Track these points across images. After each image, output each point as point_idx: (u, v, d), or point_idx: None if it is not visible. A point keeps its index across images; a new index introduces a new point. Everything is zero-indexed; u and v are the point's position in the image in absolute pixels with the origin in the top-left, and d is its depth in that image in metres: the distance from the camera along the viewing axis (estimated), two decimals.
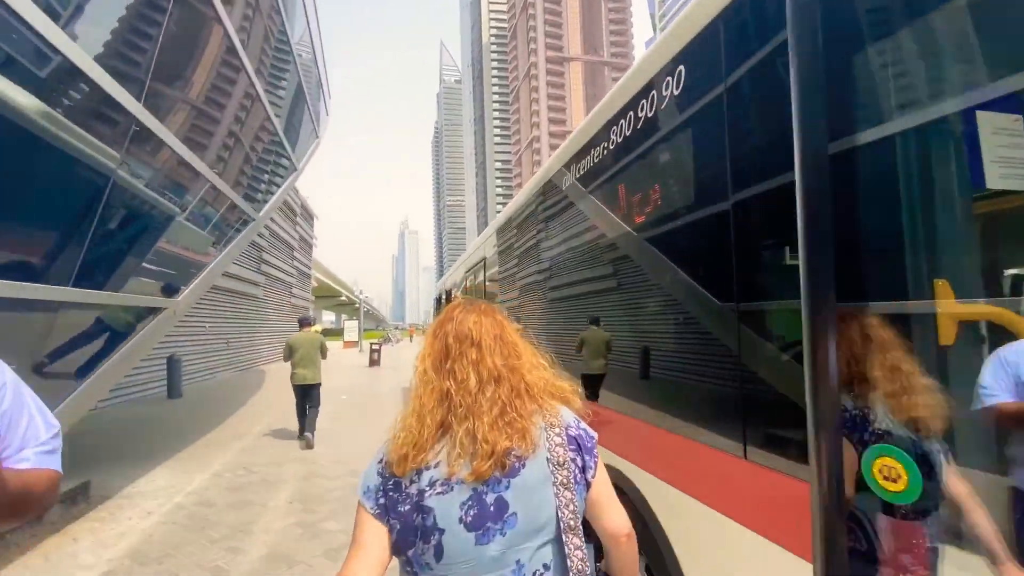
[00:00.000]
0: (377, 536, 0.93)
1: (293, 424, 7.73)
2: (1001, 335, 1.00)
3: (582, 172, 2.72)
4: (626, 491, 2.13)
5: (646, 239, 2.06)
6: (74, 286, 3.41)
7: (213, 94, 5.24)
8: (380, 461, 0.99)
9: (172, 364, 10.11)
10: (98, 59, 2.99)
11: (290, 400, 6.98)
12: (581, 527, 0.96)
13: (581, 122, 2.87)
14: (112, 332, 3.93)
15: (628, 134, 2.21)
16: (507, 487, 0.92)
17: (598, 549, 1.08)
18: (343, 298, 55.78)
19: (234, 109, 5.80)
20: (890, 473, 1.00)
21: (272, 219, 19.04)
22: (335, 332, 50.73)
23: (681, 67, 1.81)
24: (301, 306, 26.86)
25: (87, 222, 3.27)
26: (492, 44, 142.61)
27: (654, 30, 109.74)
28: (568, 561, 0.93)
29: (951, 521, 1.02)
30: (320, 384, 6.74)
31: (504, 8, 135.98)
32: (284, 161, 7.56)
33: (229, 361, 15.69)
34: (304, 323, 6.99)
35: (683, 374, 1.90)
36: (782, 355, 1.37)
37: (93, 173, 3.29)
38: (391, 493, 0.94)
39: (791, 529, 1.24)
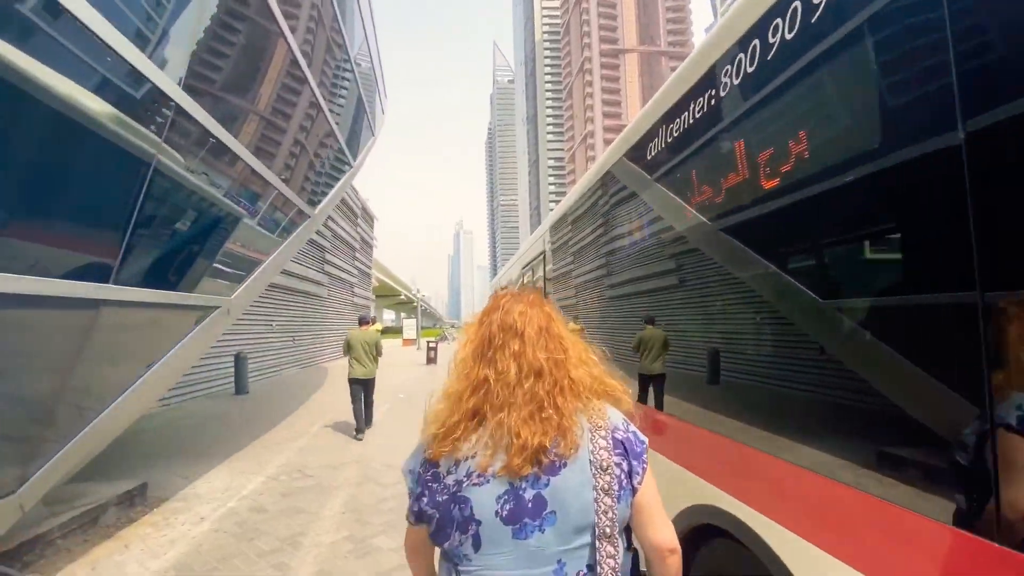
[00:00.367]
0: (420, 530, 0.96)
1: (351, 422, 7.65)
2: None
3: (655, 158, 2.39)
4: (742, 540, 1.61)
5: (754, 229, 1.67)
6: (123, 284, 3.27)
7: (270, 95, 5.11)
8: (417, 457, 0.99)
9: (239, 361, 10.44)
10: (153, 56, 2.80)
11: (349, 396, 7.14)
12: (619, 535, 0.90)
13: (649, 104, 2.55)
14: (164, 331, 3.81)
15: (707, 112, 1.90)
16: (546, 485, 0.88)
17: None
18: (402, 297, 57.42)
19: (291, 109, 5.68)
20: None
21: (334, 220, 19.65)
22: (395, 330, 52.26)
23: (772, 31, 1.49)
24: (363, 305, 27.68)
25: (136, 217, 3.10)
26: (545, 41, 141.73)
27: (714, 15, 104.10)
28: (599, 568, 0.88)
29: None
30: (375, 379, 7.11)
31: (557, 4, 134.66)
32: (340, 159, 7.44)
33: (294, 358, 16.25)
34: (363, 321, 7.46)
35: (815, 387, 1.45)
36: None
37: (142, 166, 3.11)
38: (430, 483, 0.93)
39: None
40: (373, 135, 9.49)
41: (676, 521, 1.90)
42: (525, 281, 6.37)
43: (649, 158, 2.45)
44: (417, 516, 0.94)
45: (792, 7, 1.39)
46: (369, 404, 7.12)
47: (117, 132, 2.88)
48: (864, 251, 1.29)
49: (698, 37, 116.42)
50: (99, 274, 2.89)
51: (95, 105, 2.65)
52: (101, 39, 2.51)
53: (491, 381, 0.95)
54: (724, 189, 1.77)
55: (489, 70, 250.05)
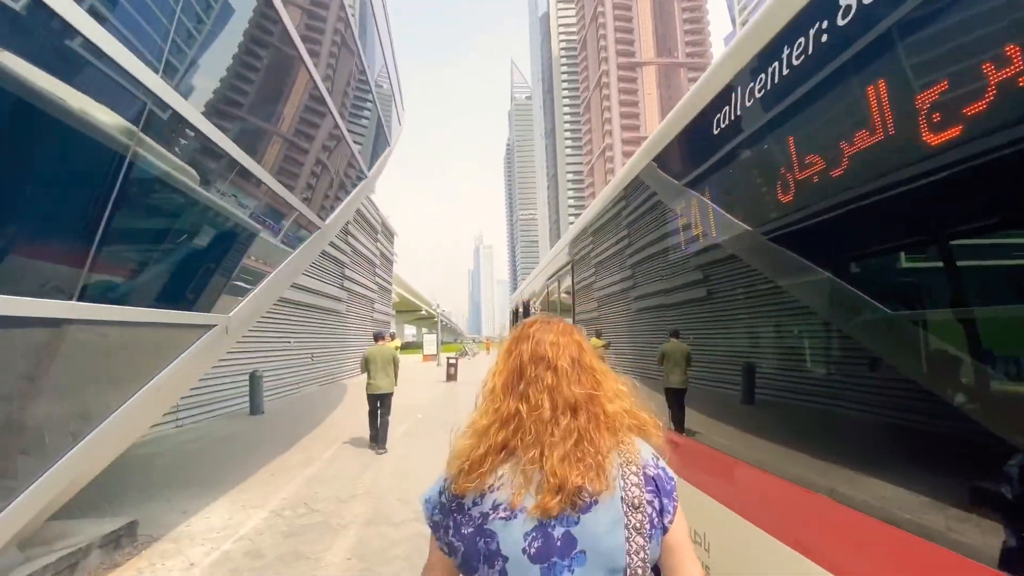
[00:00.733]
0: (442, 558, 0.94)
1: (367, 444, 7.19)
2: None
3: (692, 160, 2.23)
4: None
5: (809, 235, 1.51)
6: (94, 301, 2.89)
7: (278, 101, 4.82)
8: (441, 491, 0.95)
9: (254, 380, 10.15)
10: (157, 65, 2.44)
11: (366, 418, 7.35)
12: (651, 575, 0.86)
13: (682, 103, 2.37)
14: (152, 353, 3.42)
15: (746, 111, 1.75)
16: (576, 523, 0.84)
17: None
18: (423, 312, 57.44)
19: (299, 116, 5.38)
20: None
21: (353, 236, 19.57)
22: (416, 345, 52.15)
23: (817, 22, 1.40)
24: (383, 321, 27.53)
25: (108, 223, 2.72)
26: (562, 56, 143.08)
27: (733, 25, 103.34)
28: None
29: None
30: (392, 393, 7.29)
31: (573, 20, 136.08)
32: (353, 167, 7.12)
33: (313, 376, 16.00)
34: (378, 337, 7.69)
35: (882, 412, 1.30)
36: None
37: (117, 159, 2.75)
38: (455, 514, 0.90)
39: None
40: (389, 145, 9.20)
41: None
42: (550, 293, 5.86)
43: (685, 161, 2.30)
44: (448, 549, 0.91)
45: None
46: (385, 422, 7.25)
47: (91, 122, 2.52)
48: (930, 257, 1.22)
49: (717, 47, 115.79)
50: (64, 290, 2.50)
51: (66, 94, 2.31)
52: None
53: (523, 415, 0.90)
54: (769, 192, 1.64)
55: (506, 88, 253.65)
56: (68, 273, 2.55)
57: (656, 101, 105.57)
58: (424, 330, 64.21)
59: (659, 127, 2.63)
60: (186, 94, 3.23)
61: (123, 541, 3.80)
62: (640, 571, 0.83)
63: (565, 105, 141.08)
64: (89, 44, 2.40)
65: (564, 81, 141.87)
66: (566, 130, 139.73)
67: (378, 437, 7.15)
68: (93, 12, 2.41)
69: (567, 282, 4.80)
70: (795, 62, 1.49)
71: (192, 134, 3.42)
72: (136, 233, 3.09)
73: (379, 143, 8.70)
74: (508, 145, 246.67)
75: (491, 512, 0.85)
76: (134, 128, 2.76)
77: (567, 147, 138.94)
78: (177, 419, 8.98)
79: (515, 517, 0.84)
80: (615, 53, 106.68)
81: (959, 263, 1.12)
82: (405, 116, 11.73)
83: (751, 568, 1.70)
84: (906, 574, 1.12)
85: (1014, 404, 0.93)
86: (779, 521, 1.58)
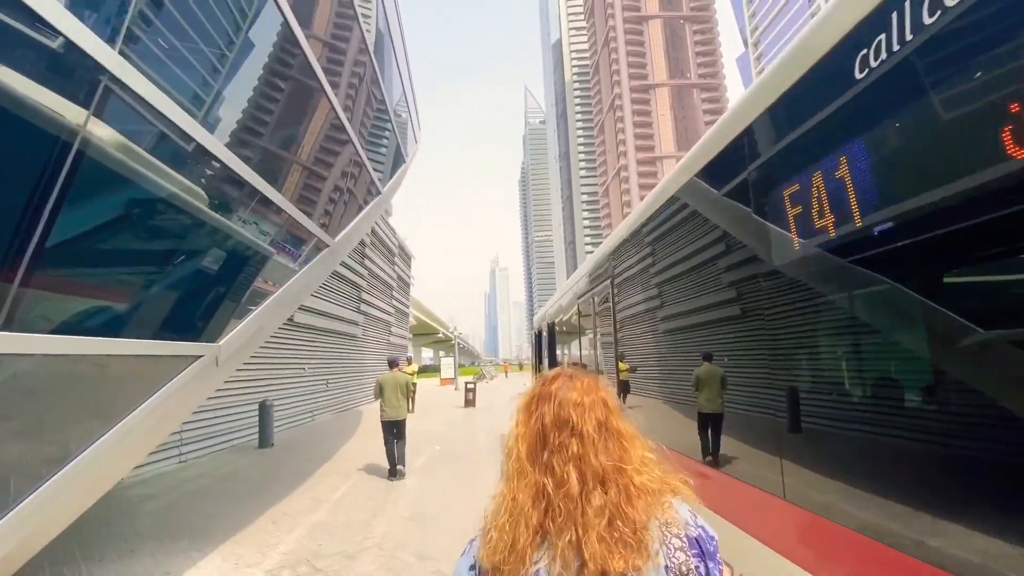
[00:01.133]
0: None
1: (381, 481, 6.52)
2: None
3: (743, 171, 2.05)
4: None
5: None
6: (58, 332, 2.36)
7: (287, 110, 4.40)
8: (472, 568, 0.89)
9: (263, 411, 9.60)
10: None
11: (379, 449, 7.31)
12: None
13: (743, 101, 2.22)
14: (119, 391, 2.87)
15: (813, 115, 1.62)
16: None
17: None
18: (440, 335, 56.97)
19: (308, 126, 4.96)
20: None
21: (370, 259, 19.27)
22: (433, 369, 51.48)
23: (886, 23, 1.31)
24: (400, 345, 27.04)
25: (59, 233, 2.20)
26: (575, 81, 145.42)
27: (745, 45, 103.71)
28: None
29: None
30: (405, 420, 7.28)
31: (585, 46, 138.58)
32: (364, 181, 6.67)
33: (327, 403, 15.44)
34: (393, 364, 7.59)
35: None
36: None
37: (65, 144, 2.25)
38: None
39: None
40: (405, 162, 8.80)
41: None
42: (582, 312, 5.21)
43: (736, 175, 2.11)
44: None
45: None
46: (401, 447, 7.27)
47: (37, 108, 2.03)
48: (1005, 270, 1.12)
49: (729, 67, 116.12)
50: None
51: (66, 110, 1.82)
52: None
53: (551, 492, 0.83)
54: (824, 208, 1.54)
55: (520, 113, 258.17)
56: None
57: (670, 122, 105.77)
58: (441, 353, 63.66)
59: (706, 138, 2.47)
60: (181, 94, 2.76)
61: None
62: None
63: (579, 128, 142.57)
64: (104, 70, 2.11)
65: (577, 105, 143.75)
66: (580, 152, 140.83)
67: (394, 463, 7.15)
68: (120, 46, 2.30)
69: (604, 300, 4.15)
70: (850, 74, 1.43)
71: (181, 139, 2.95)
72: (97, 247, 2.57)
73: (395, 159, 8.30)
74: (523, 168, 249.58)
75: None
76: (113, 130, 2.27)
77: (581, 169, 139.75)
78: (180, 453, 8.44)
79: None
80: (627, 76, 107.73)
81: None
82: (421, 134, 11.41)
83: None
84: None
85: None
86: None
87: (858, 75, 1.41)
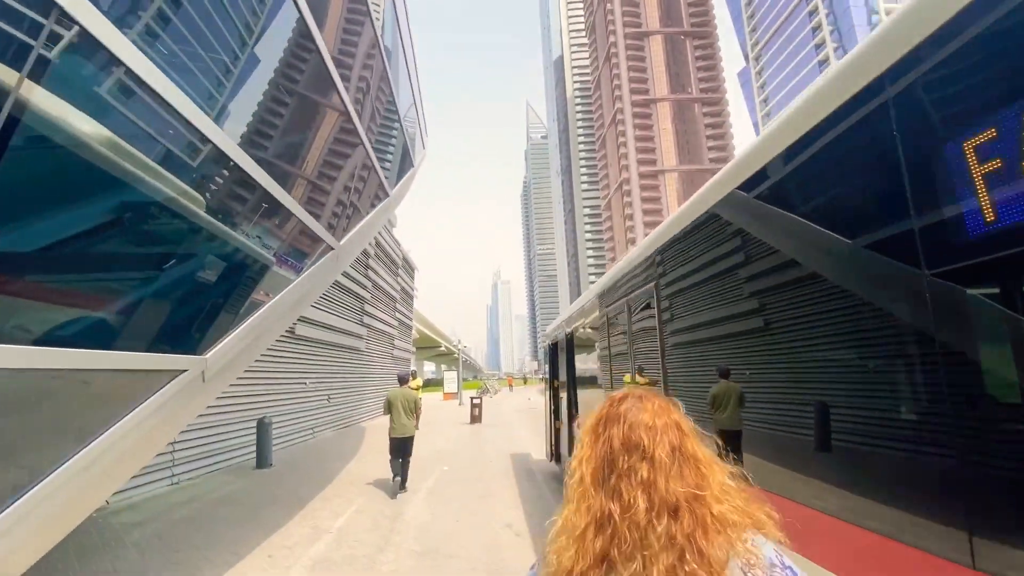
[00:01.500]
0: None
1: (386, 511, 5.97)
2: None
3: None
4: None
5: None
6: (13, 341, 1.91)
7: (295, 108, 4.01)
8: None
9: (261, 429, 9.07)
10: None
11: (390, 470, 7.38)
12: None
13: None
14: (83, 411, 2.39)
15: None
16: None
17: None
18: (442, 348, 56.34)
19: (319, 125, 4.57)
20: None
21: (374, 271, 18.86)
22: (436, 383, 50.77)
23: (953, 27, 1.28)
24: (402, 358, 26.50)
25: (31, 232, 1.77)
26: (576, 96, 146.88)
27: (746, 60, 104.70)
28: None
29: None
30: (414, 436, 7.35)
31: (587, 61, 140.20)
32: (372, 182, 6.26)
33: (329, 420, 14.88)
34: (403, 380, 7.64)
35: None
36: None
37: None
38: None
39: None
40: (413, 166, 8.42)
41: None
42: (612, 320, 4.72)
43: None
44: None
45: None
46: (406, 463, 7.31)
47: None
48: None
49: (731, 82, 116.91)
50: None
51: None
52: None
53: (616, 518, 0.78)
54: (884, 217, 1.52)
55: (523, 128, 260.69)
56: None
57: (672, 135, 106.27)
58: (443, 367, 62.98)
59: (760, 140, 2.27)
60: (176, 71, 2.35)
61: None
62: None
63: (580, 143, 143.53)
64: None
65: (579, 120, 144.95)
66: (582, 167, 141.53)
67: (398, 476, 7.20)
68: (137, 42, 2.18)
69: (645, 307, 3.67)
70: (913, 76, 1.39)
71: (167, 120, 2.53)
72: (60, 244, 2.12)
73: (403, 163, 7.91)
74: (525, 182, 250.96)
75: None
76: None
77: (583, 183, 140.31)
78: (173, 475, 7.91)
79: None
80: (629, 91, 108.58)
81: None
82: (428, 140, 11.08)
83: None
84: None
85: None
86: None
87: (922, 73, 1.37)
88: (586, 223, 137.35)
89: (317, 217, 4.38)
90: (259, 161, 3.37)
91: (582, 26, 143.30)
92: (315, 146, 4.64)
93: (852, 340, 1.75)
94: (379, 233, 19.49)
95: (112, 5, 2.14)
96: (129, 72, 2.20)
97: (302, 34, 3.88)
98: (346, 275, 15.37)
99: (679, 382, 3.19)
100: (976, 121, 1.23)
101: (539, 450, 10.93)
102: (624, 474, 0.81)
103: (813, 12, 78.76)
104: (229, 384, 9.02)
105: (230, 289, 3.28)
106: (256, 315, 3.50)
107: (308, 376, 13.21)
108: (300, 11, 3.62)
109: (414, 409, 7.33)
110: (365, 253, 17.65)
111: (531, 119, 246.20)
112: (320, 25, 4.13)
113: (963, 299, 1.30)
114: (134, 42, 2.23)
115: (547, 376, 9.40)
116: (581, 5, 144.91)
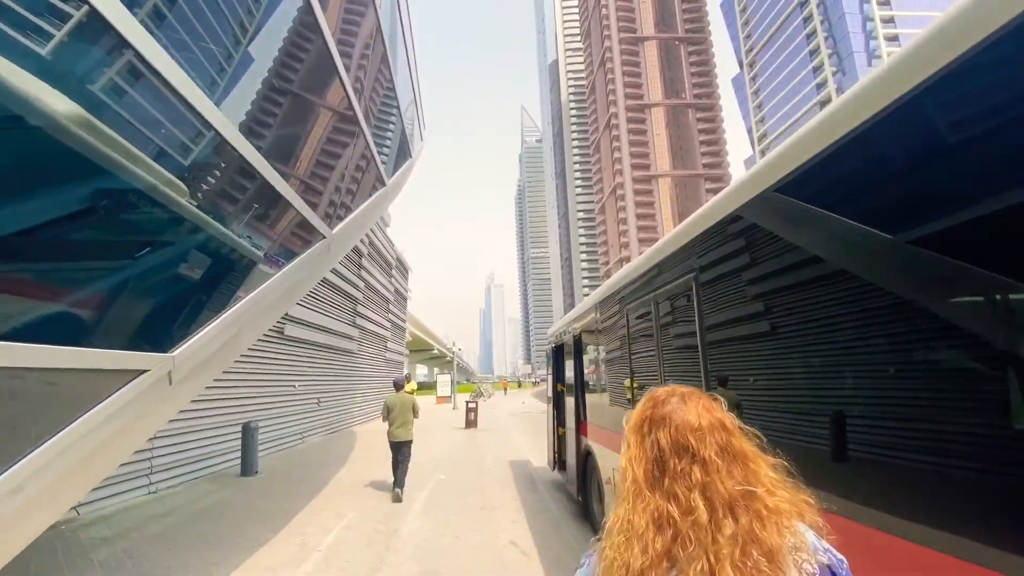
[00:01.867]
0: None
1: (381, 527, 5.48)
2: None
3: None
4: None
5: None
6: None
7: (288, 81, 3.57)
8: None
9: (247, 434, 8.53)
10: None
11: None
12: None
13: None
14: (20, 416, 1.93)
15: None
16: None
17: None
18: (435, 351, 55.73)
19: (316, 102, 4.13)
20: None
21: (367, 271, 18.35)
22: (428, 386, 50.15)
23: None
24: (396, 361, 25.95)
25: None
26: (571, 100, 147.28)
27: (740, 67, 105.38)
28: None
29: None
30: (412, 440, 7.41)
31: (581, 66, 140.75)
32: (369, 167, 5.81)
33: (319, 424, 14.32)
34: (399, 386, 7.64)
35: None
36: None
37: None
38: None
39: None
40: (411, 157, 7.98)
41: None
42: (628, 319, 4.30)
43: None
44: None
45: None
46: (404, 467, 7.35)
47: None
48: None
49: (725, 88, 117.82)
50: None
51: None
52: None
53: (677, 520, 0.80)
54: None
55: (517, 132, 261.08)
56: None
57: (666, 140, 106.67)
58: (436, 370, 62.35)
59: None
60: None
61: None
62: None
63: (575, 147, 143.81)
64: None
65: (573, 124, 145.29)
66: (576, 171, 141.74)
67: (397, 482, 7.18)
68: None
69: (682, 301, 3.25)
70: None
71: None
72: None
73: (401, 152, 7.47)
74: (519, 186, 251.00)
75: None
76: None
77: (577, 187, 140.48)
78: (150, 483, 7.38)
79: None
80: (623, 96, 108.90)
81: None
82: (426, 133, 10.65)
83: None
84: None
85: None
86: None
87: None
88: (580, 227, 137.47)
89: (308, 202, 3.92)
90: (245, 134, 2.92)
91: (577, 30, 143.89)
92: (309, 124, 4.20)
93: (909, 347, 1.61)
94: (372, 231, 19.00)
95: None
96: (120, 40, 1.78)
97: (303, 10, 3.47)
98: (338, 274, 14.87)
99: (727, 388, 2.78)
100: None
101: (539, 457, 10.48)
102: (678, 476, 0.82)
103: (808, 19, 79.47)
104: (206, 387, 8.50)
105: (203, 278, 2.81)
106: (234, 309, 3.03)
107: (297, 379, 12.68)
108: None
109: (412, 414, 7.42)
110: (358, 252, 17.15)
111: (526, 123, 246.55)
112: (323, 3, 3.73)
113: None
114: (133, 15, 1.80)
115: (549, 380, 8.95)
116: (576, 9, 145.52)
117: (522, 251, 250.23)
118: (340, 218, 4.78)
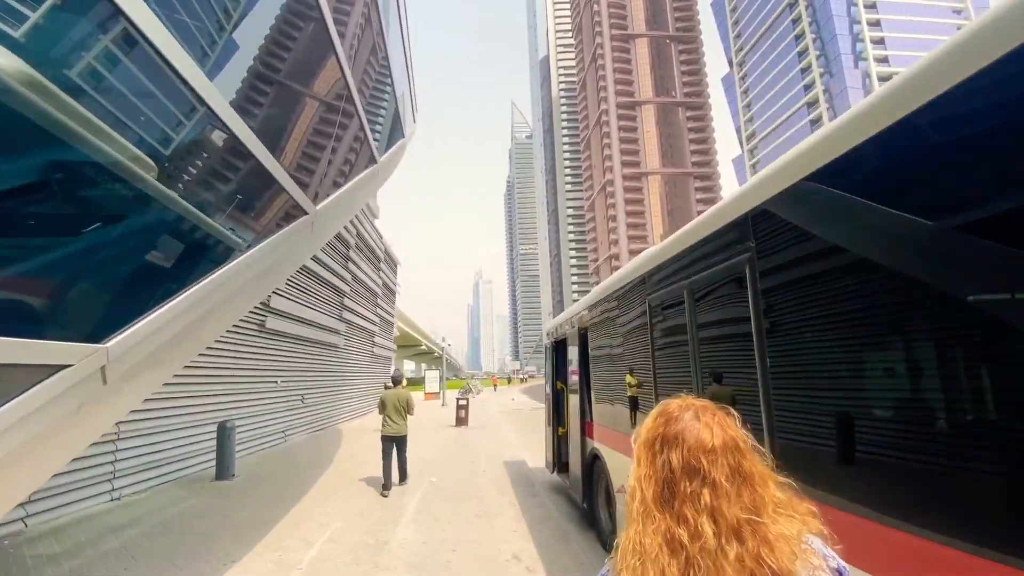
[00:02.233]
0: None
1: (369, 538, 4.93)
2: None
3: None
4: None
5: None
6: None
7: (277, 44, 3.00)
8: None
9: (222, 434, 7.88)
10: None
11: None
12: None
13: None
14: None
15: None
16: None
17: None
18: (423, 347, 55.00)
19: (305, 65, 3.56)
20: None
21: (354, 262, 17.65)
22: (415, 382, 49.45)
23: None
24: (384, 356, 25.28)
25: None
26: (562, 97, 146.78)
27: (730, 66, 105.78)
28: None
29: None
30: (407, 435, 7.53)
31: (572, 63, 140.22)
32: (361, 147, 5.24)
33: (302, 422, 13.66)
34: (396, 381, 7.91)
35: None
36: None
37: None
38: None
39: None
40: (404, 136, 7.39)
41: None
42: (650, 309, 3.81)
43: None
44: None
45: None
46: (403, 459, 7.51)
47: None
48: None
49: (715, 87, 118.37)
50: None
51: None
52: None
53: (687, 545, 0.79)
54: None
55: (507, 127, 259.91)
56: None
57: (656, 138, 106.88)
58: (424, 366, 61.68)
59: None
60: None
61: None
62: None
63: (565, 143, 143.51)
64: None
65: (564, 120, 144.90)
66: (566, 167, 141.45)
67: (390, 478, 7.27)
68: None
69: (734, 290, 2.76)
70: None
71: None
72: None
73: (393, 130, 6.88)
74: (508, 182, 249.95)
75: None
76: None
77: (567, 184, 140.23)
78: (112, 488, 6.72)
79: None
80: (614, 93, 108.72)
81: None
82: (418, 116, 10.05)
83: None
84: None
85: None
86: None
87: None
88: (569, 224, 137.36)
89: (289, 170, 3.34)
90: (216, 81, 2.36)
91: (569, 27, 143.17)
92: (296, 80, 3.62)
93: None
94: (360, 222, 18.29)
95: None
96: None
97: None
98: (324, 265, 14.19)
99: (789, 391, 2.30)
100: None
101: (534, 457, 10.02)
102: (688, 499, 0.82)
103: (797, 20, 79.96)
104: (177, 383, 7.83)
105: (148, 251, 2.24)
106: (191, 291, 2.45)
107: (279, 374, 12.01)
108: None
109: (407, 408, 7.51)
110: (345, 243, 16.46)
111: (516, 118, 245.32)
112: None
113: None
114: None
115: (547, 377, 8.46)
116: (568, 6, 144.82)
117: (511, 248, 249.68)
118: (326, 194, 4.20)
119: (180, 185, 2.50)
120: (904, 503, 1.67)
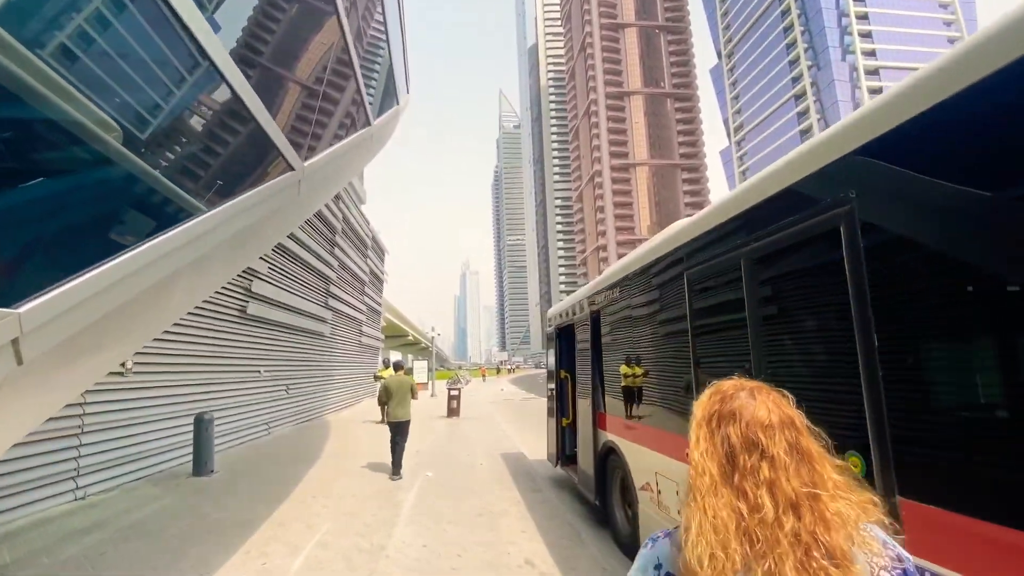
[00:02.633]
0: None
1: (363, 542, 4.44)
2: None
3: None
4: None
5: None
6: None
7: None
8: (658, 568, 0.87)
9: (199, 427, 7.26)
10: None
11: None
12: None
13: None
14: None
15: None
16: None
17: None
18: (410, 337, 54.27)
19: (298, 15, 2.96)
20: None
21: (341, 248, 16.94)
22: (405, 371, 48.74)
23: None
24: (371, 346, 24.63)
25: None
26: (550, 86, 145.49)
27: (719, 57, 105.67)
28: None
29: None
30: (409, 421, 7.59)
31: (561, 52, 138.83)
32: (355, 107, 4.64)
33: (289, 412, 13.04)
34: (398, 367, 8.09)
35: None
36: None
37: None
38: None
39: None
40: (398, 104, 6.78)
41: None
42: (705, 286, 3.35)
43: None
44: None
45: None
46: (401, 447, 7.48)
47: None
48: None
49: (703, 79, 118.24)
50: None
51: None
52: None
53: (745, 517, 0.79)
54: None
55: (495, 116, 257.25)
56: None
57: (644, 128, 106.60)
58: (411, 356, 61.01)
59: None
60: None
61: None
62: None
63: (553, 133, 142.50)
64: None
65: (552, 110, 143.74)
66: (554, 157, 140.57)
67: (396, 464, 7.36)
68: None
69: (793, 266, 2.30)
70: None
71: None
72: None
73: (387, 95, 6.27)
74: (496, 172, 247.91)
75: None
76: None
77: (555, 174, 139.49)
78: (76, 487, 6.10)
79: None
80: (603, 83, 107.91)
81: None
82: (411, 86, 9.41)
83: None
84: None
85: None
86: None
87: None
88: (557, 214, 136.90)
89: (273, 114, 2.76)
90: None
91: (558, 14, 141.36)
92: (289, 25, 3.04)
93: None
94: (347, 206, 17.55)
95: None
96: None
97: None
98: (309, 250, 13.49)
99: (905, 391, 1.85)
100: None
101: (532, 449, 9.59)
102: (747, 473, 0.82)
103: (786, 12, 79.95)
104: (151, 371, 7.18)
105: (78, 194, 1.67)
106: (142, 248, 1.89)
107: (263, 363, 11.36)
108: None
109: (410, 394, 7.58)
110: (331, 228, 15.73)
111: (504, 108, 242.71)
112: None
113: None
114: None
115: (549, 366, 8.01)
116: None
117: (498, 238, 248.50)
118: (314, 150, 3.61)
119: (128, 116, 1.92)
120: None
